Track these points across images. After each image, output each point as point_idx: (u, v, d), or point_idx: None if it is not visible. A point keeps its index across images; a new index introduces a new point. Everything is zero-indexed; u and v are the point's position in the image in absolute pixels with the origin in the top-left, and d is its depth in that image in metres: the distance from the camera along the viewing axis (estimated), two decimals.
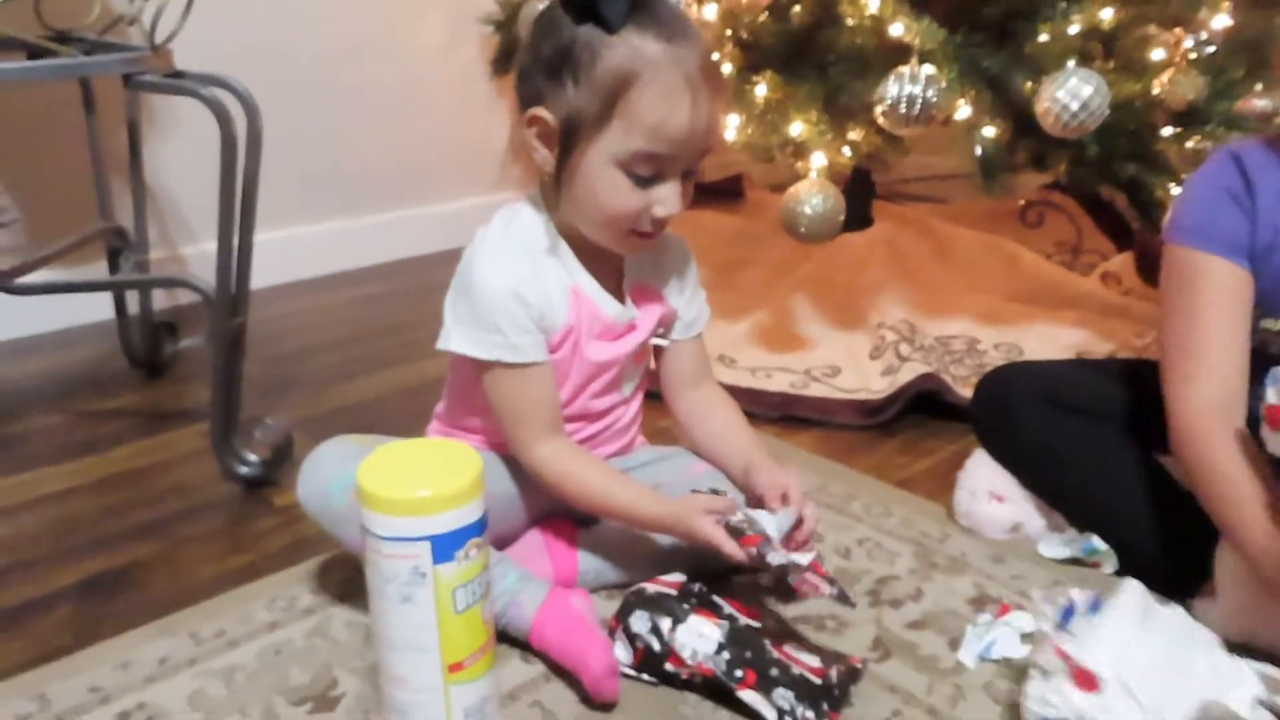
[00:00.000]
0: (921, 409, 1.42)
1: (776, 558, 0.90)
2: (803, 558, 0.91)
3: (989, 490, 1.12)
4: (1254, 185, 0.96)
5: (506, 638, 0.94)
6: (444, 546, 0.77)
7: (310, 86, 2.05)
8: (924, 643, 0.96)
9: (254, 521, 1.22)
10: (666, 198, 0.91)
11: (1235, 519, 0.88)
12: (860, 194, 1.92)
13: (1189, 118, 1.47)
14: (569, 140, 0.91)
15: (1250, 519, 0.87)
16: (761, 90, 1.42)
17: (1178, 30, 1.48)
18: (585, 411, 1.04)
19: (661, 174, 0.91)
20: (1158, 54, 1.54)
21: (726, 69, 1.49)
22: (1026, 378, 1.12)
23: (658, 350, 1.10)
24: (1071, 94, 1.28)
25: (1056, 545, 1.09)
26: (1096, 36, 1.52)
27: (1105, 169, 1.45)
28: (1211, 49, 1.46)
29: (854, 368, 1.52)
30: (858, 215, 1.93)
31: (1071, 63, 1.32)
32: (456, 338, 0.95)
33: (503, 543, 1.03)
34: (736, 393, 1.45)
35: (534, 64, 0.92)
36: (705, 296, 1.10)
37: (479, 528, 0.80)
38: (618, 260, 1.02)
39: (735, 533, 0.91)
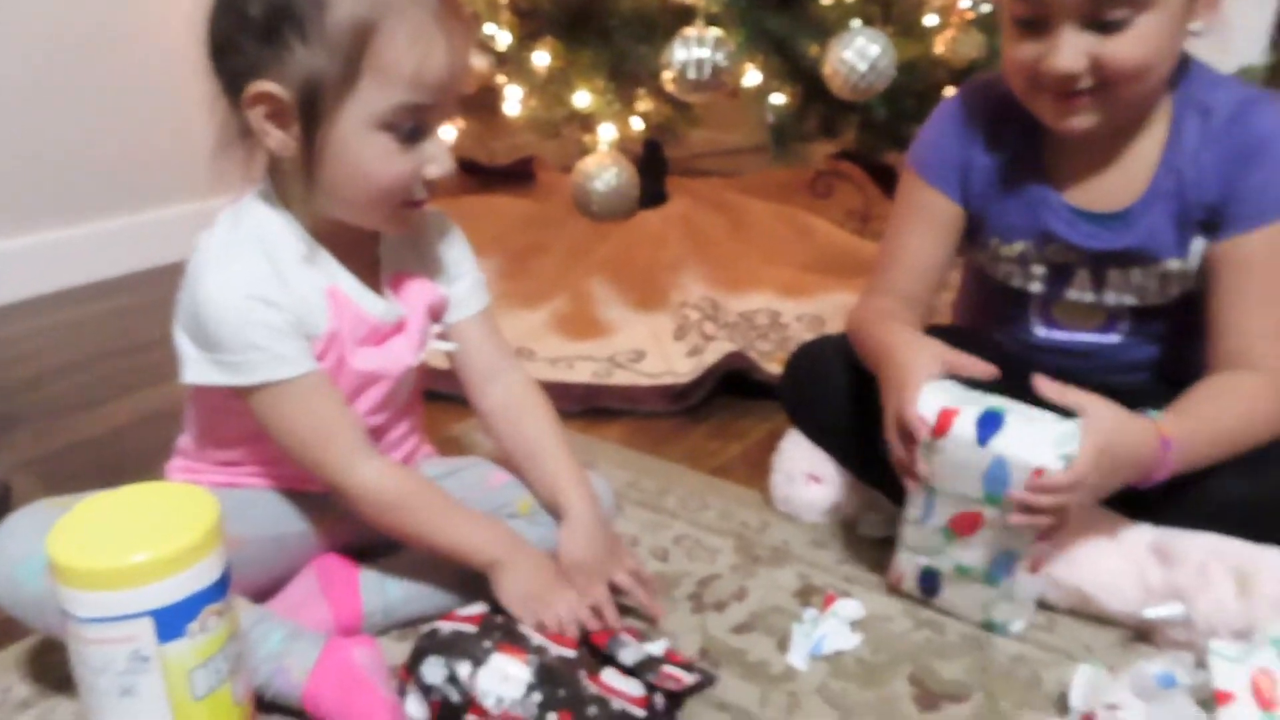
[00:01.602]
0: (730, 389, 1.36)
1: (629, 654, 0.81)
2: (655, 647, 0.83)
3: (805, 472, 1.06)
4: (979, 117, 0.99)
5: (277, 708, 0.79)
6: (171, 620, 0.62)
7: (19, 81, 1.74)
8: (752, 647, 0.89)
9: None
10: (438, 153, 0.80)
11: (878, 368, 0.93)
12: (654, 170, 1.85)
13: (967, 76, 1.49)
14: (311, 112, 0.76)
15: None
16: (542, 59, 1.30)
17: None
18: None
19: (427, 126, 0.79)
20: (931, 19, 1.55)
21: (505, 38, 1.36)
22: (833, 351, 1.07)
23: (447, 337, 0.96)
24: (859, 54, 1.25)
25: (877, 524, 1.04)
26: (876, 1, 1.51)
27: (893, 131, 1.44)
28: (988, 8, 1.47)
29: (658, 350, 1.44)
30: (652, 192, 1.85)
31: (857, 23, 1.28)
32: (204, 367, 0.79)
33: (270, 593, 0.87)
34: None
35: (239, 30, 0.75)
36: (476, 267, 0.96)
37: (218, 590, 0.64)
38: (371, 249, 0.88)
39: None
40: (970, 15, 1.50)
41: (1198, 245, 0.93)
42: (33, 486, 1.16)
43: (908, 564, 0.93)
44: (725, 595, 0.96)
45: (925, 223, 1.02)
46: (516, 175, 2.23)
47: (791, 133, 1.37)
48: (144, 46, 1.85)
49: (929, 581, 0.92)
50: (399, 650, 0.84)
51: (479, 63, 1.37)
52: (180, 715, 0.63)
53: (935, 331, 1.06)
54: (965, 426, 0.83)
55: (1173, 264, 0.95)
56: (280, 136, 0.77)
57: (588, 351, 1.45)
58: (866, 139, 1.48)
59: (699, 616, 0.93)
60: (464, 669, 0.77)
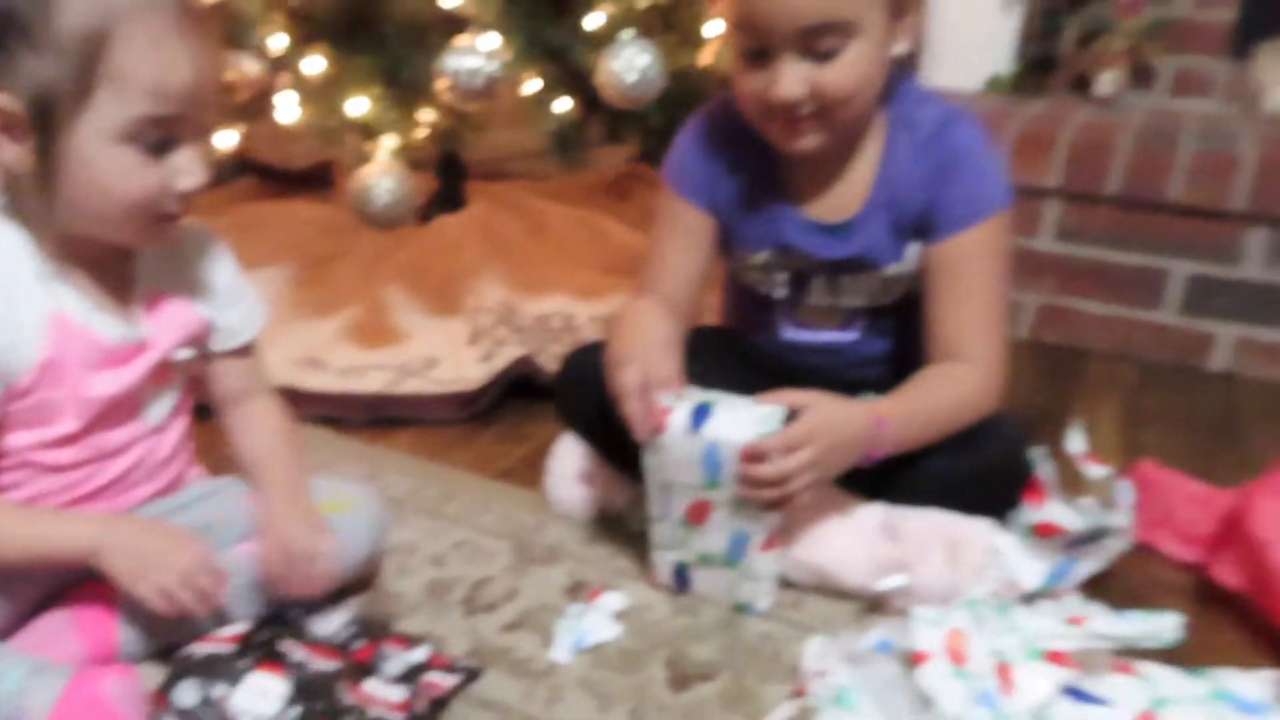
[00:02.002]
0: (522, 394, 1.38)
1: (393, 665, 0.83)
2: (419, 654, 0.85)
3: (577, 473, 1.10)
4: (721, 136, 1.06)
5: None
6: None
7: None
8: (519, 645, 0.92)
9: None
10: (188, 166, 0.77)
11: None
12: (451, 175, 1.85)
13: None
14: (46, 125, 0.73)
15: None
16: (315, 65, 1.28)
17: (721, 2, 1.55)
18: (99, 451, 0.86)
19: (175, 137, 0.76)
20: (712, 30, 1.62)
21: (281, 41, 1.33)
22: (601, 355, 1.11)
23: (202, 362, 0.94)
24: (628, 64, 1.29)
25: (644, 520, 1.09)
26: (655, 10, 1.56)
27: (670, 138, 1.49)
28: None
29: (452, 357, 1.45)
30: (451, 197, 1.86)
31: (627, 34, 1.33)
32: None
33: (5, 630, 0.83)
34: (326, 400, 1.34)
35: None
36: (255, 296, 0.95)
37: None
38: (124, 267, 0.85)
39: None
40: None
41: (913, 250, 1.03)
42: None
43: (661, 561, 0.98)
44: (497, 596, 0.98)
45: (680, 233, 1.08)
46: (315, 180, 2.17)
47: (573, 140, 1.40)
48: None
49: (680, 575, 0.98)
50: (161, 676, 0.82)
51: (253, 67, 1.34)
52: None
53: (700, 332, 1.12)
54: (680, 419, 0.89)
55: (892, 268, 1.04)
56: (14, 150, 0.74)
57: (380, 360, 1.44)
58: (648, 145, 1.53)
59: (470, 619, 0.95)
60: (219, 690, 0.76)
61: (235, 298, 0.92)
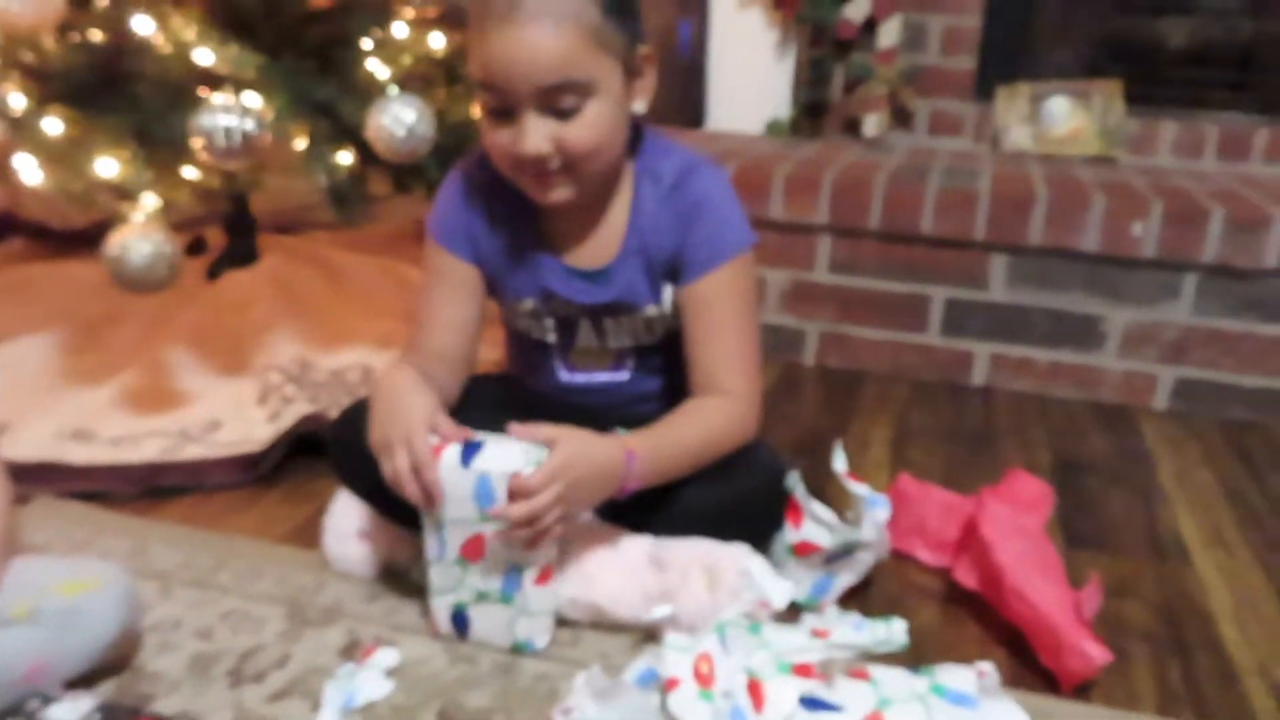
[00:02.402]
0: (310, 452, 1.36)
1: None
2: None
3: (355, 530, 1.09)
4: (479, 191, 1.09)
5: None
6: None
7: None
8: (286, 713, 0.90)
9: None
10: None
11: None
12: (241, 228, 1.80)
13: None
14: None
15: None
16: (54, 126, 1.23)
17: None
18: None
19: None
20: None
21: (20, 101, 1.28)
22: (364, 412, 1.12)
23: None
24: (395, 120, 1.31)
25: (424, 572, 1.09)
26: (436, 64, 1.59)
27: None
28: None
29: (238, 418, 1.41)
30: (242, 251, 1.81)
31: (394, 90, 1.34)
32: None
33: None
34: (93, 474, 1.28)
35: None
36: None
37: None
38: None
39: None
40: None
41: (668, 293, 1.09)
42: None
43: (439, 608, 0.99)
44: (266, 665, 0.96)
45: (447, 284, 1.10)
46: (94, 239, 2.07)
47: (351, 193, 1.40)
48: None
49: (459, 620, 0.99)
50: None
51: None
52: None
53: (480, 380, 1.14)
54: (451, 455, 0.91)
55: (651, 310, 1.09)
56: None
57: (158, 427, 1.39)
58: (431, 197, 1.54)
59: (234, 691, 0.93)
60: None
61: None
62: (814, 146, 2.07)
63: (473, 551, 0.95)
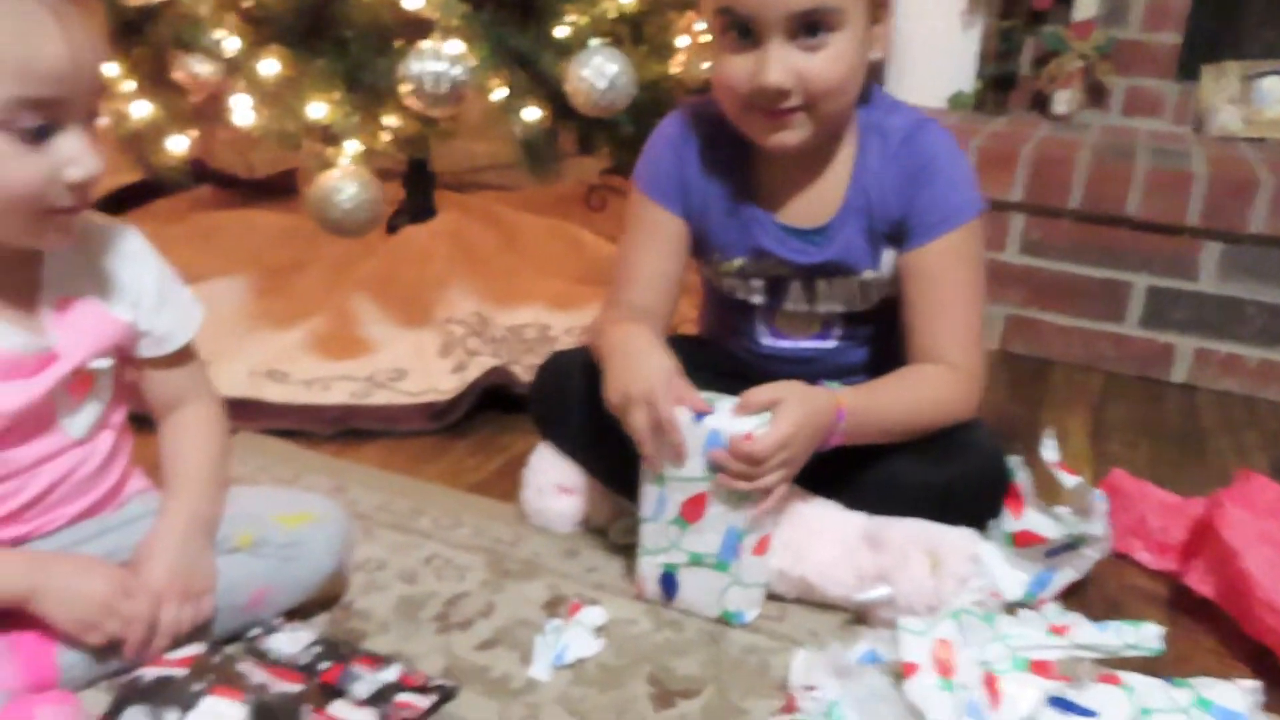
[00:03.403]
0: (495, 405, 1.35)
1: (362, 686, 0.80)
2: (389, 673, 0.81)
3: (555, 483, 1.07)
4: (693, 140, 1.04)
5: None
6: None
7: None
8: (495, 663, 0.89)
9: None
10: (76, 154, 0.72)
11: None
12: (420, 184, 1.82)
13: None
14: None
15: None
16: (270, 67, 1.24)
17: (690, 14, 1.55)
18: (13, 468, 0.81)
19: (56, 123, 0.72)
20: (683, 40, 1.61)
21: (234, 43, 1.30)
22: (576, 363, 1.09)
23: (135, 368, 0.89)
24: (598, 72, 1.27)
25: (626, 531, 1.06)
26: (624, 20, 1.55)
27: (641, 147, 1.48)
28: None
29: (422, 368, 1.42)
30: (420, 207, 1.82)
31: (595, 41, 1.31)
32: None
33: None
34: (290, 412, 1.30)
35: None
36: (188, 296, 0.90)
37: None
38: (27, 271, 0.80)
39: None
40: (701, 36, 1.58)
41: (888, 256, 1.02)
42: None
43: (648, 568, 0.96)
44: (472, 613, 0.95)
45: (653, 238, 1.06)
46: (278, 189, 2.13)
47: (544, 149, 1.38)
48: None
49: (668, 582, 0.95)
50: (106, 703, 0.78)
51: (204, 69, 1.30)
52: None
53: (676, 341, 1.10)
54: (683, 411, 0.88)
55: (868, 274, 1.03)
56: None
57: (346, 371, 1.41)
58: (619, 154, 1.51)
59: (444, 637, 0.92)
60: (171, 716, 0.72)
61: (163, 301, 0.87)
62: (1001, 122, 1.95)
63: (693, 511, 0.91)
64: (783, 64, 0.90)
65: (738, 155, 1.02)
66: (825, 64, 0.91)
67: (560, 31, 1.36)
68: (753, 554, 0.92)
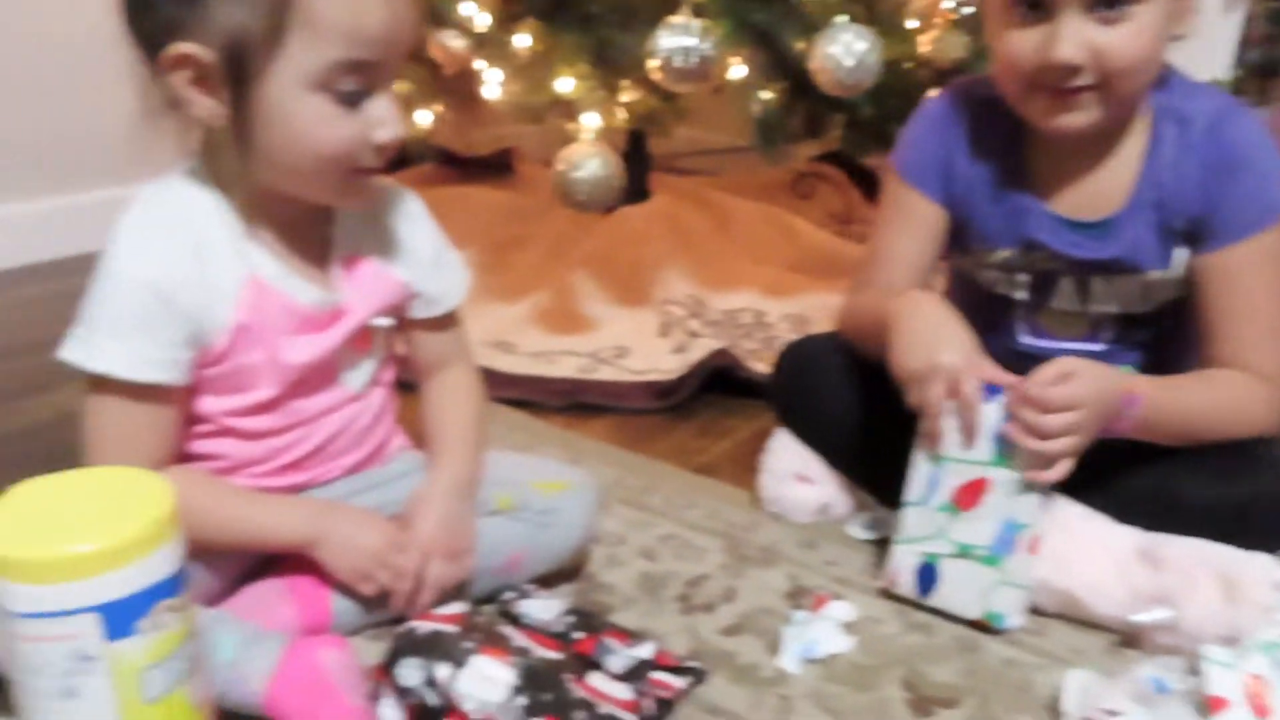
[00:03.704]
0: (715, 388, 1.33)
1: (617, 660, 0.78)
2: (644, 650, 0.80)
3: (794, 471, 1.03)
4: (961, 122, 0.98)
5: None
6: (119, 617, 0.57)
7: None
8: (742, 650, 0.86)
9: None
10: (385, 116, 0.74)
11: (877, 331, 0.91)
12: (637, 165, 1.81)
13: (954, 77, 1.47)
14: (238, 74, 0.70)
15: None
16: (523, 41, 1.26)
17: None
18: (298, 418, 0.84)
19: (370, 87, 0.73)
20: (912, 22, 1.54)
21: (485, 19, 1.33)
22: (822, 349, 1.05)
23: (403, 328, 0.91)
24: (846, 49, 1.23)
25: (867, 525, 1.02)
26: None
27: (879, 131, 1.42)
28: (970, 9, 1.46)
29: (643, 347, 1.41)
30: (635, 188, 1.82)
31: (842, 18, 1.26)
32: (71, 343, 0.74)
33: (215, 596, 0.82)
34: (520, 382, 1.32)
35: None
36: (458, 261, 0.92)
37: (173, 585, 0.60)
38: (321, 229, 0.82)
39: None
40: (953, 16, 1.49)
41: (1180, 255, 0.93)
42: None
43: (905, 557, 0.90)
44: (714, 596, 0.93)
45: (908, 224, 1.01)
46: (495, 166, 2.19)
47: (777, 130, 1.35)
48: (67, 27, 1.78)
49: (927, 574, 0.90)
50: (374, 651, 0.80)
51: (456, 44, 1.33)
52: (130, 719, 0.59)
53: None
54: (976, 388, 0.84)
55: (1154, 274, 0.94)
56: (208, 104, 0.71)
57: (570, 346, 1.42)
58: (852, 138, 1.46)
59: (688, 618, 0.90)
60: (443, 671, 0.73)
61: (437, 264, 0.89)
62: (1263, 112, 1.76)
63: (968, 497, 0.86)
64: (1077, 37, 0.82)
65: (1011, 139, 0.95)
66: (1126, 39, 0.82)
67: (803, 7, 1.32)
68: (1026, 551, 0.86)
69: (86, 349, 0.73)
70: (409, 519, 0.84)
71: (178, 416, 0.79)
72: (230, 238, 0.77)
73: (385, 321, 0.87)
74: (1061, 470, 0.84)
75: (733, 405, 1.30)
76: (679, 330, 1.43)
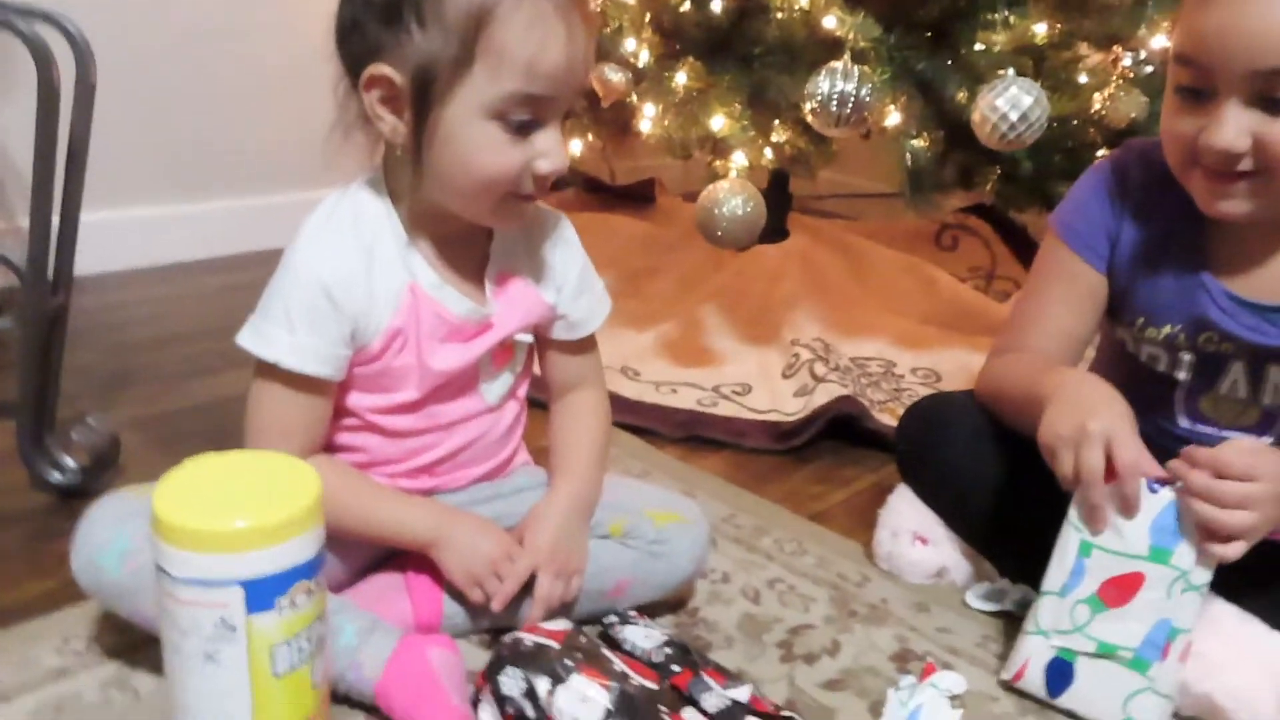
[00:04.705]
0: (837, 434, 1.31)
1: (712, 700, 0.77)
2: (740, 693, 0.79)
3: (913, 531, 1.00)
4: (1133, 186, 0.93)
5: (351, 701, 0.78)
6: (261, 592, 0.61)
7: (168, 52, 1.82)
8: (843, 707, 0.84)
9: (62, 540, 1.00)
10: (550, 149, 0.77)
11: (1028, 402, 0.87)
12: (777, 204, 1.81)
13: (1125, 137, 1.41)
14: (423, 97, 0.74)
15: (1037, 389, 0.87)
16: (681, 79, 1.29)
17: (1116, 48, 1.41)
18: (436, 422, 0.87)
19: (540, 119, 0.76)
20: (1083, 78, 1.49)
21: (644, 56, 1.36)
22: (955, 408, 1.02)
23: (540, 348, 0.94)
24: (1011, 103, 1.19)
25: (986, 595, 0.98)
26: (1028, 52, 1.46)
27: (1038, 188, 1.38)
28: (1150, 69, 1.40)
29: (766, 386, 1.40)
30: (773, 226, 1.81)
31: (1010, 71, 1.23)
32: (247, 330, 0.79)
33: (340, 584, 0.87)
34: (641, 409, 1.34)
35: (363, 10, 0.75)
36: (602, 288, 0.94)
37: (311, 568, 0.63)
38: (480, 245, 0.86)
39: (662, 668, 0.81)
40: (1130, 74, 1.43)
41: None
42: (140, 444, 1.20)
43: (1036, 649, 0.84)
44: (817, 648, 0.91)
45: (1065, 290, 0.96)
46: (636, 197, 2.23)
47: (928, 179, 1.32)
48: (277, 37, 1.92)
49: (1060, 671, 0.84)
50: (477, 657, 0.82)
51: (615, 78, 1.37)
52: (258, 690, 0.62)
53: None
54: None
55: None
56: (392, 121, 0.76)
57: (693, 379, 1.43)
58: (1007, 193, 1.42)
59: (787, 666, 0.88)
60: (543, 685, 0.74)
61: (583, 288, 0.91)
62: None
63: (1119, 594, 0.80)
64: (1235, 126, 0.78)
65: (1187, 207, 0.89)
66: None
67: (970, 57, 1.30)
68: (1178, 659, 0.80)
69: (259, 337, 0.78)
70: (526, 532, 0.86)
71: (330, 409, 0.83)
72: (396, 246, 0.81)
73: (527, 338, 0.90)
74: (1236, 550, 0.77)
75: (853, 455, 1.28)
76: (804, 372, 1.42)
